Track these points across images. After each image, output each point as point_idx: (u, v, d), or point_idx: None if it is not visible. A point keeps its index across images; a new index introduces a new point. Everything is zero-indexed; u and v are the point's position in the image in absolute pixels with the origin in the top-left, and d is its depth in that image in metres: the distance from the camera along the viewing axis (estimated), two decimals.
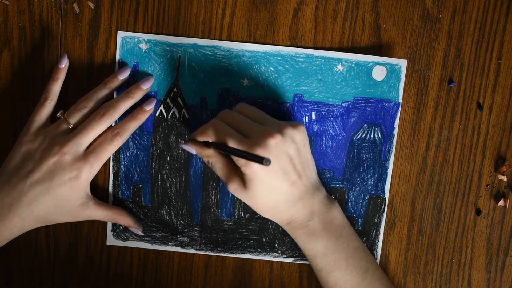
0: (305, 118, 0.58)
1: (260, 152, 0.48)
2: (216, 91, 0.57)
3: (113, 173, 0.59)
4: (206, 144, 0.52)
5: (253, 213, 0.59)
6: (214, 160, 0.53)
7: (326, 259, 0.53)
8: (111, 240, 0.59)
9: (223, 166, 0.52)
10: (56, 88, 0.55)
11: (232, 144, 0.49)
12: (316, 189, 0.54)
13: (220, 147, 0.50)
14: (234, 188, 0.52)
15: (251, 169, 0.49)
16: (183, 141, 0.56)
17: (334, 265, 0.53)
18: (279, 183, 0.50)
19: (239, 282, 0.60)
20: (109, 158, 0.58)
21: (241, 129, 0.51)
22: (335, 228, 0.54)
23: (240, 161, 0.49)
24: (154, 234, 0.59)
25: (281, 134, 0.50)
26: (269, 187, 0.50)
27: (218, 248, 0.60)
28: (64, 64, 0.56)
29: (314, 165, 0.55)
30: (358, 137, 0.58)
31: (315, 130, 0.58)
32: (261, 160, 0.43)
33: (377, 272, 0.55)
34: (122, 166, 0.58)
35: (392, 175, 0.58)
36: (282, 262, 0.60)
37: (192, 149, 0.53)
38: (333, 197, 0.58)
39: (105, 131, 0.54)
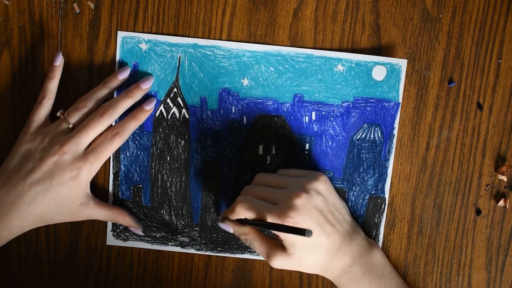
0: (305, 118, 0.58)
1: (292, 214, 0.49)
2: (216, 91, 0.57)
3: (113, 173, 0.59)
4: (241, 222, 0.53)
5: None
6: (252, 237, 0.53)
7: None
8: (111, 240, 0.59)
9: (262, 242, 0.53)
10: (52, 86, 0.55)
11: (266, 215, 0.50)
12: (353, 232, 0.54)
13: (256, 223, 0.51)
14: (278, 261, 0.52)
15: (288, 235, 0.50)
16: (219, 220, 0.57)
17: None
18: (317, 238, 0.51)
19: (239, 282, 0.60)
20: (109, 158, 0.58)
21: (268, 199, 0.52)
22: (376, 269, 0.54)
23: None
24: (154, 234, 0.59)
25: (305, 191, 0.51)
26: (310, 246, 0.51)
27: (218, 248, 0.60)
28: (59, 61, 0.56)
29: (346, 208, 0.55)
30: (358, 137, 0.58)
31: (315, 130, 0.58)
32: (303, 232, 0.44)
33: None
34: (122, 166, 0.58)
35: (392, 175, 0.58)
36: None
37: (229, 228, 0.54)
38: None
39: (105, 130, 0.54)
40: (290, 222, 0.49)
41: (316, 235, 0.51)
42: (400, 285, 0.55)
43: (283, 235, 0.50)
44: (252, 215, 0.51)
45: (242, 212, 0.52)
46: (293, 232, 0.46)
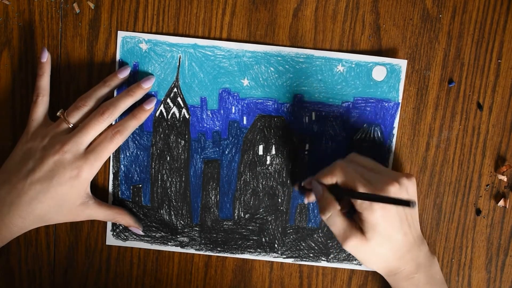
0: (305, 118, 0.58)
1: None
2: (216, 91, 0.57)
3: (113, 173, 0.59)
4: (333, 192, 0.51)
5: (252, 214, 0.59)
6: (336, 213, 0.51)
7: None
8: (111, 240, 0.59)
9: (343, 220, 0.51)
10: (44, 83, 0.55)
11: (359, 188, 0.49)
12: (422, 241, 0.54)
13: (356, 195, 0.49)
14: (353, 244, 0.51)
15: (374, 214, 0.49)
16: (309, 179, 0.55)
17: None
18: (395, 232, 0.50)
19: (239, 282, 0.60)
20: (109, 157, 0.58)
21: (362, 177, 0.51)
22: (436, 283, 0.54)
23: (364, 205, 0.49)
24: (154, 234, 0.59)
25: (399, 183, 0.50)
26: (386, 236, 0.50)
27: (218, 248, 0.60)
28: (46, 58, 0.56)
29: (418, 219, 0.55)
30: (358, 137, 0.58)
31: (315, 130, 0.58)
32: (407, 203, 0.44)
33: None
34: (122, 166, 0.58)
35: None
36: (282, 263, 0.60)
37: (320, 189, 0.52)
38: None
39: (105, 129, 0.54)
40: (379, 204, 0.48)
41: (394, 228, 0.50)
42: None
43: (367, 214, 0.49)
44: (349, 184, 0.50)
45: (340, 177, 0.51)
46: (396, 203, 0.46)
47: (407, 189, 0.51)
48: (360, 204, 0.49)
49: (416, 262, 0.53)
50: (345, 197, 0.52)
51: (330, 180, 0.52)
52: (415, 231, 0.52)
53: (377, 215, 0.49)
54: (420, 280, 0.53)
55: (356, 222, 0.51)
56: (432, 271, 0.53)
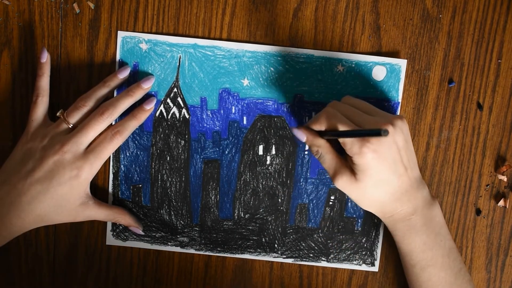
0: (305, 118, 0.58)
1: (373, 141, 0.48)
2: (216, 91, 0.57)
3: (113, 173, 0.59)
4: (320, 134, 0.53)
5: (252, 214, 0.59)
6: (325, 151, 0.52)
7: (423, 255, 0.53)
8: (110, 240, 0.59)
9: (334, 157, 0.52)
10: (43, 83, 0.56)
11: (341, 128, 0.49)
12: (420, 182, 0.53)
13: (334, 133, 0.50)
14: (343, 182, 0.51)
15: (364, 158, 0.49)
16: (295, 127, 0.55)
17: (430, 261, 0.53)
18: (388, 174, 0.50)
19: (239, 282, 0.60)
20: (109, 158, 0.58)
21: (352, 119, 0.51)
22: (435, 225, 0.53)
23: (353, 149, 0.49)
24: (154, 234, 0.59)
25: (392, 124, 0.50)
26: (379, 179, 0.50)
27: (218, 248, 0.60)
28: (45, 58, 0.56)
29: (416, 160, 0.54)
30: None
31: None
32: (379, 132, 0.42)
33: (467, 275, 0.55)
34: (122, 166, 0.58)
35: None
36: (282, 263, 0.60)
37: (303, 136, 0.53)
38: (332, 198, 0.58)
39: (105, 130, 0.54)
40: (370, 147, 0.48)
41: (388, 170, 0.50)
42: (453, 248, 0.54)
43: (357, 157, 0.49)
44: (334, 128, 0.50)
45: (325, 124, 0.51)
46: (369, 134, 0.46)
47: (401, 130, 0.50)
48: (350, 148, 0.49)
49: (414, 203, 0.52)
50: (329, 138, 0.52)
51: (318, 127, 0.52)
52: (411, 172, 0.52)
53: (367, 158, 0.49)
54: (418, 222, 0.53)
55: (350, 161, 0.51)
56: (431, 214, 0.53)
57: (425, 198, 0.53)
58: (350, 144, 0.49)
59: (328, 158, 0.52)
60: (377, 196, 0.51)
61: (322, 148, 0.53)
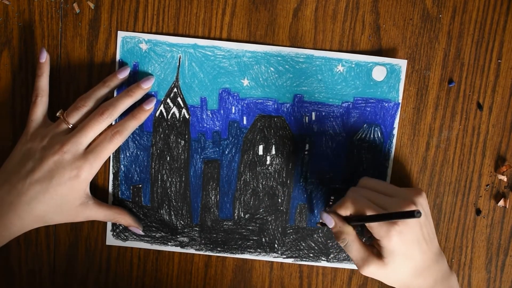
0: (305, 119, 0.58)
1: (400, 222, 0.49)
2: (216, 91, 0.57)
3: (113, 173, 0.59)
4: (347, 220, 0.53)
5: (252, 214, 0.59)
6: (351, 238, 0.52)
7: None
8: (110, 240, 0.59)
9: (360, 247, 0.52)
10: (43, 83, 0.56)
11: (369, 213, 0.50)
12: (440, 255, 0.54)
13: (363, 218, 0.50)
14: (370, 270, 0.51)
15: (392, 240, 0.49)
16: (323, 210, 0.56)
17: None
18: (413, 252, 0.51)
19: (239, 282, 0.60)
20: (109, 158, 0.58)
21: (375, 203, 0.51)
22: None
23: (381, 233, 0.50)
24: (154, 234, 0.59)
25: (413, 203, 0.50)
26: (405, 258, 0.51)
27: (218, 248, 0.60)
28: (44, 58, 0.56)
29: (435, 230, 0.55)
30: (358, 137, 0.58)
31: (315, 130, 0.58)
32: (412, 214, 0.44)
33: None
34: (122, 166, 0.58)
35: (392, 175, 0.58)
36: (282, 263, 0.60)
37: (331, 221, 0.53)
38: (332, 198, 0.58)
39: (105, 130, 0.54)
40: (396, 229, 0.49)
41: (413, 249, 0.50)
42: None
43: (385, 240, 0.50)
44: (357, 211, 0.51)
45: (352, 207, 0.52)
46: (402, 216, 0.46)
47: (422, 206, 0.51)
48: (377, 232, 0.50)
49: (434, 277, 0.53)
50: (357, 224, 0.52)
51: (344, 212, 0.53)
52: (433, 246, 0.52)
53: (394, 240, 0.49)
54: None
55: (374, 247, 0.52)
56: (449, 284, 0.53)
57: (444, 271, 0.53)
58: (377, 227, 0.50)
59: (355, 247, 0.52)
60: (402, 273, 0.52)
61: (350, 235, 0.52)
